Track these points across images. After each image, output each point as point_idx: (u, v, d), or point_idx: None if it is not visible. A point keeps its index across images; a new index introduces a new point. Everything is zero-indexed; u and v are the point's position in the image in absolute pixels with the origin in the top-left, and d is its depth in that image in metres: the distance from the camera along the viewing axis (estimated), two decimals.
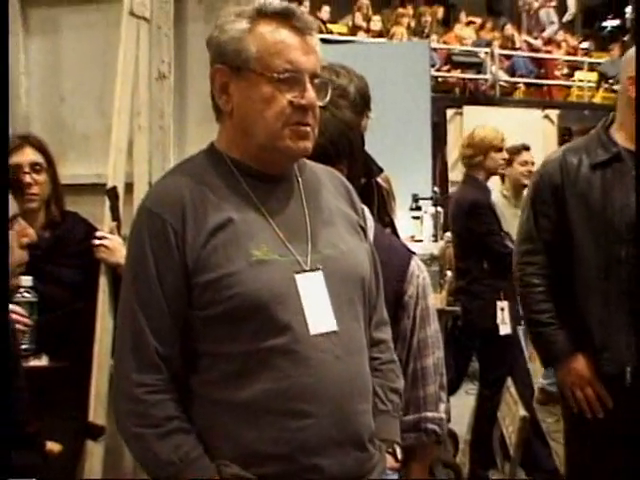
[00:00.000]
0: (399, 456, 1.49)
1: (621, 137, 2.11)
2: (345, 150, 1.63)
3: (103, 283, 2.32)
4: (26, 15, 2.61)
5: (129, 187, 2.39)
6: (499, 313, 3.37)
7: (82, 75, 2.61)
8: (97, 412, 2.34)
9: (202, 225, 1.29)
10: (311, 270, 1.32)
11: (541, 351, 2.28)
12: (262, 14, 1.32)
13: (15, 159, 2.26)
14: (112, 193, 2.35)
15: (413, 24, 9.28)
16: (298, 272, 1.31)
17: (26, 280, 2.07)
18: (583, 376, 2.10)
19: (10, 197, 1.61)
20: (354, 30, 8.99)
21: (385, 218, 2.87)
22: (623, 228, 2.03)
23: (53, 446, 2.00)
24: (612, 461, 2.06)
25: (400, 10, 9.46)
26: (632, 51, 2.14)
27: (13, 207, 1.65)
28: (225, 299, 1.26)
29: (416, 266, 1.72)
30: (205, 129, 2.28)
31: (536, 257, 2.17)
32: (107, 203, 2.36)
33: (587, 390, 2.09)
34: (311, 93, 1.32)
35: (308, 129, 1.33)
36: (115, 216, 2.35)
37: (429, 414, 1.70)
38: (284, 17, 1.32)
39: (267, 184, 1.36)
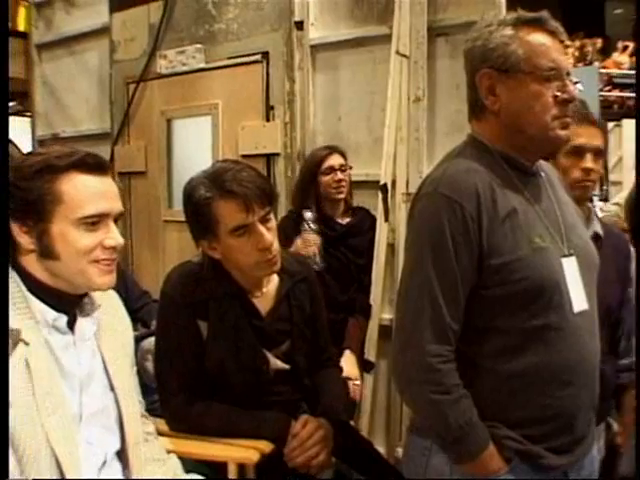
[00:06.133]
0: None
1: None
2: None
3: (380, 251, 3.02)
4: (314, 57, 3.30)
5: (392, 184, 3.02)
6: None
7: (354, 100, 3.24)
8: (370, 351, 3.01)
9: (494, 213, 1.35)
10: (569, 255, 1.42)
11: None
12: (521, 21, 1.41)
13: (329, 162, 2.89)
14: (384, 188, 3.03)
15: (577, 53, 9.78)
16: (563, 257, 1.41)
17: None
18: None
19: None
20: None
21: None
22: None
23: (350, 374, 2.65)
24: None
25: (566, 42, 10.04)
26: None
27: None
28: (513, 281, 1.34)
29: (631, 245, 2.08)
30: (450, 139, 2.82)
31: None
32: (380, 195, 3.02)
33: None
34: (571, 87, 1.40)
35: (569, 120, 1.41)
36: (385, 205, 3.03)
37: None
38: (539, 22, 1.41)
39: (527, 176, 1.46)
